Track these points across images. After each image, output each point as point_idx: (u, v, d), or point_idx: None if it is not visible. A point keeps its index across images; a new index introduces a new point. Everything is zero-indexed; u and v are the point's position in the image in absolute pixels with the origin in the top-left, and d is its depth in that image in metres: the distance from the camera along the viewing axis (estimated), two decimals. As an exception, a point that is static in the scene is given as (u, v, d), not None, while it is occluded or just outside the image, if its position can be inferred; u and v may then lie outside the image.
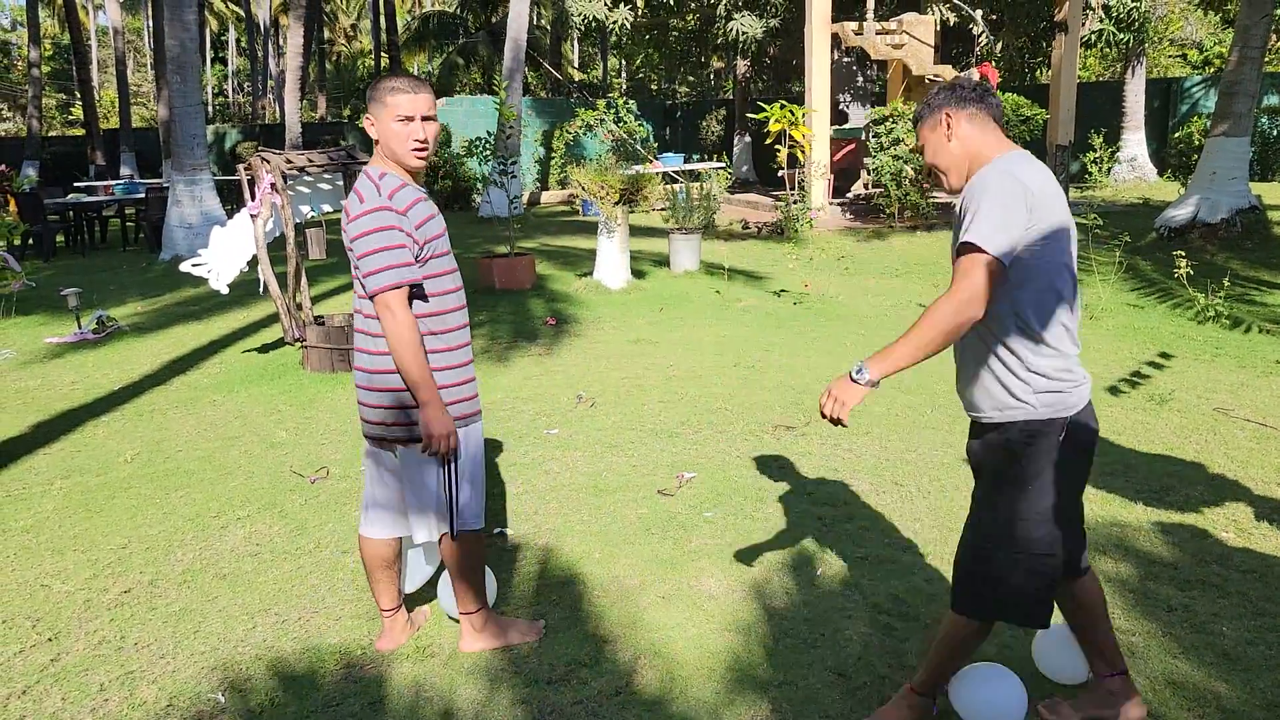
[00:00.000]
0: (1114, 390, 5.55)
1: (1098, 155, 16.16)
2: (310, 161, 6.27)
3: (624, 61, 35.01)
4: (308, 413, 5.48)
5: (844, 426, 2.24)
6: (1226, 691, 2.64)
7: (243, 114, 44.03)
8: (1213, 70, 22.09)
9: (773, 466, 4.45)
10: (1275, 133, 17.58)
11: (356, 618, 3.15)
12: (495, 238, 11.59)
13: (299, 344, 6.38)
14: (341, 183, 6.63)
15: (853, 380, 2.16)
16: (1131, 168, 18.46)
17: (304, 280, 6.63)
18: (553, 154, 19.85)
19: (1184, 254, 7.61)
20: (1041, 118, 12.65)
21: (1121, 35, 16.77)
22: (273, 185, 6.04)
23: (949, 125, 2.33)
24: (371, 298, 2.58)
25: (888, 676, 2.75)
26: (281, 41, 40.84)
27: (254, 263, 6.40)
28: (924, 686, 2.47)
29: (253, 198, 6.13)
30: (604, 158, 11.64)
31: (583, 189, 8.91)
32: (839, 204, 14.50)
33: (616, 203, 8.75)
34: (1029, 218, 2.14)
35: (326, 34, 40.95)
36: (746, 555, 3.54)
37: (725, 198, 14.00)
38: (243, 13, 41.54)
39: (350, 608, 3.22)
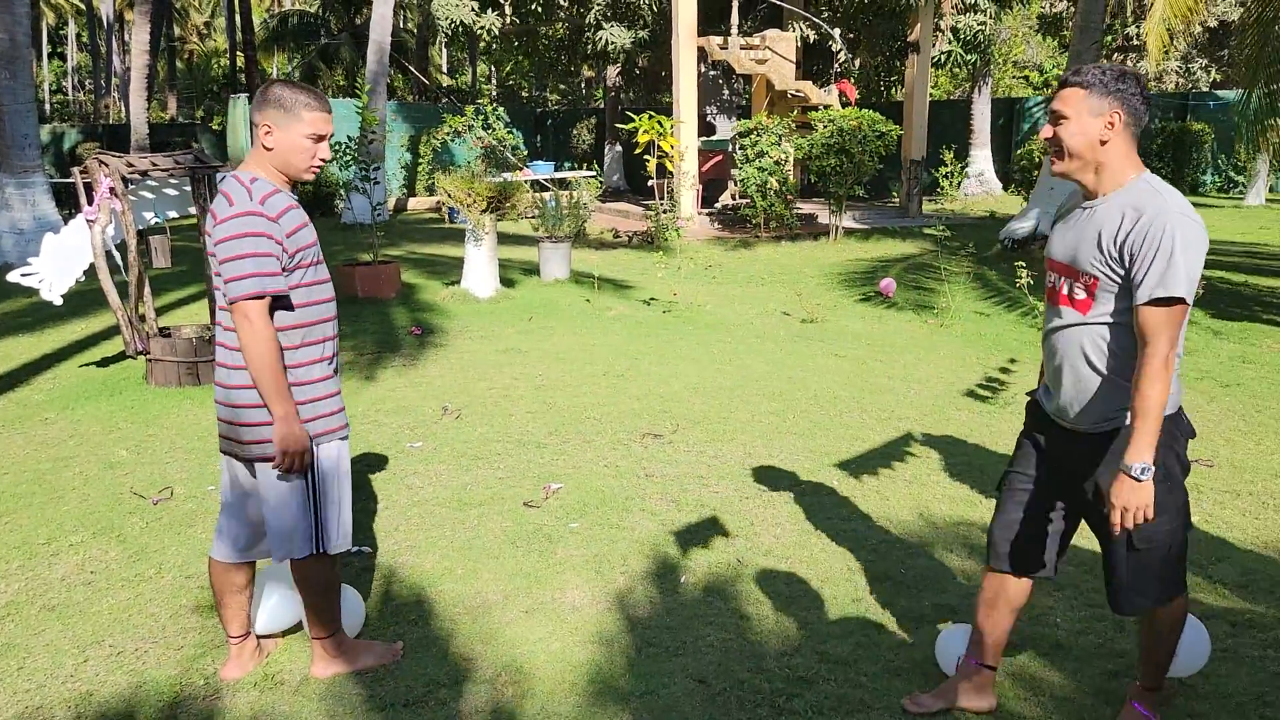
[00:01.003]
0: (966, 394, 5.82)
1: (949, 170, 16.94)
2: (154, 165, 5.94)
3: (493, 68, 34.72)
4: (150, 430, 5.18)
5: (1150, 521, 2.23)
6: (1059, 680, 2.78)
7: (84, 113, 41.56)
8: (1052, 92, 23.51)
9: (640, 475, 4.47)
10: (1107, 151, 18.81)
11: (201, 646, 2.99)
12: (359, 245, 11.29)
13: (142, 357, 6.04)
14: (189, 188, 6.32)
15: (1138, 480, 2.15)
16: (979, 182, 19.47)
17: (147, 290, 6.28)
18: (420, 160, 19.49)
19: (1025, 264, 8.04)
20: (897, 133, 13.21)
21: (969, 56, 17.69)
22: (112, 190, 5.70)
23: (1113, 124, 2.23)
24: (231, 305, 2.46)
25: (747, 680, 2.79)
26: (127, 37, 38.76)
27: (91, 272, 6.02)
28: (1155, 680, 2.55)
29: (90, 203, 5.77)
30: (473, 165, 11.51)
31: (450, 196, 8.77)
32: (707, 214, 14.75)
33: (485, 210, 8.65)
34: None
35: (177, 31, 39.09)
36: (612, 566, 3.54)
37: (596, 206, 14.04)
38: (83, 5, 39.23)
39: (194, 636, 3.05)
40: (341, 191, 16.89)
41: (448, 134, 16.81)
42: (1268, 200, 17.10)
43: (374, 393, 5.89)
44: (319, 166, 2.62)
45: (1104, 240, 2.24)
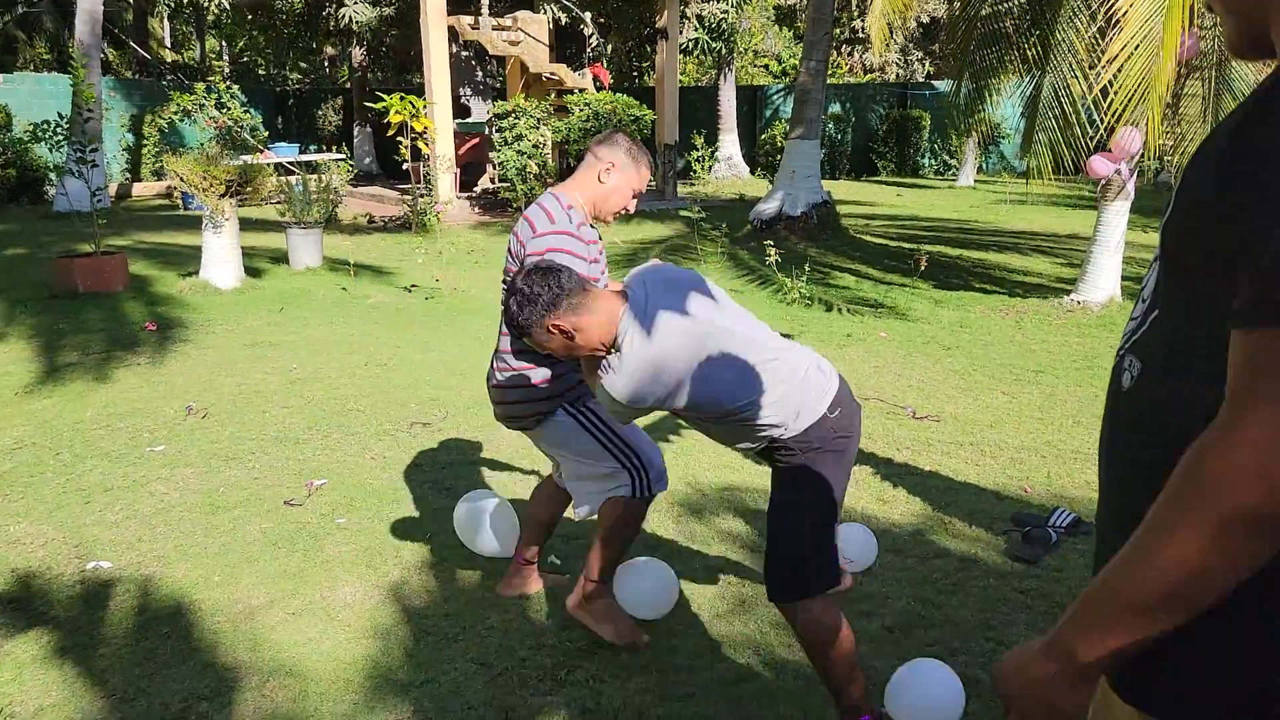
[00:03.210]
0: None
1: (700, 154, 17.65)
2: None
3: (225, 43, 32.36)
4: None
5: None
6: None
7: None
8: (789, 80, 25.01)
9: (409, 465, 4.35)
10: (839, 136, 20.29)
11: (-95, 690, 2.62)
12: (77, 235, 10.20)
13: None
14: None
15: None
16: (729, 166, 20.40)
17: None
18: (145, 142, 17.88)
19: (773, 243, 8.55)
20: (649, 118, 13.58)
21: (714, 44, 18.45)
22: None
23: None
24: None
25: (529, 658, 2.80)
26: None
27: None
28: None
29: None
30: (207, 146, 10.69)
31: (183, 180, 8.11)
32: (466, 198, 14.54)
33: (224, 195, 8.07)
34: None
35: None
36: (384, 559, 3.43)
37: (348, 190, 13.45)
38: None
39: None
40: (52, 176, 15.20)
41: (175, 113, 15.51)
42: (976, 181, 19.05)
43: (106, 395, 5.37)
44: (619, 216, 2.87)
45: None
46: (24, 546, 3.52)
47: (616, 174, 2.76)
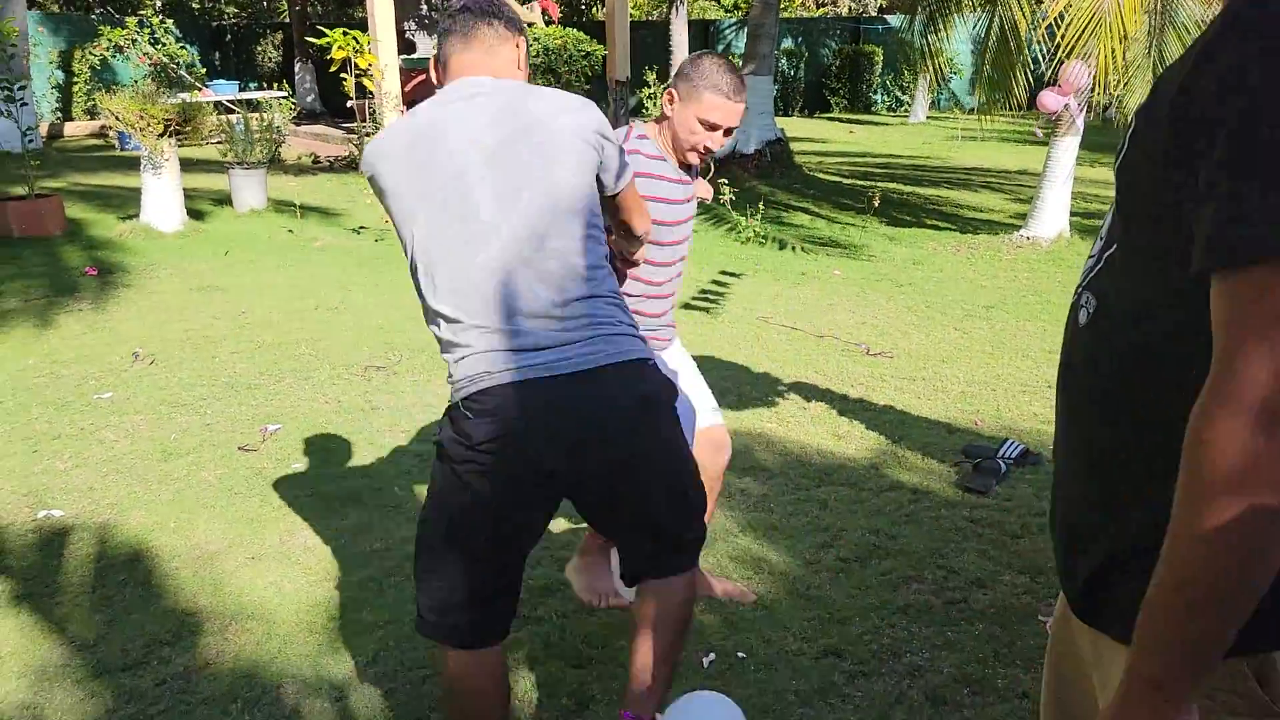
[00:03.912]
0: (684, 307, 6.10)
1: (653, 91, 17.42)
2: None
3: (158, -25, 31.03)
4: None
5: None
6: (775, 557, 3.06)
7: None
8: (742, 14, 24.69)
9: (366, 409, 4.32)
10: (792, 72, 20.14)
11: None
12: (10, 177, 9.83)
13: None
14: None
15: None
16: (680, 103, 20.15)
17: None
18: (76, 79, 17.19)
19: (726, 181, 8.50)
20: (600, 53, 13.33)
21: (664, -22, 18.08)
22: None
23: None
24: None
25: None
26: None
27: None
28: None
29: None
30: (142, 84, 10.31)
31: (119, 119, 7.83)
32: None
33: (162, 135, 7.81)
34: None
35: None
36: (342, 502, 3.42)
37: (291, 130, 13.05)
38: None
39: None
40: (-20, 115, 14.58)
41: (107, 49, 14.90)
42: (928, 118, 19.09)
43: (50, 342, 5.23)
44: (702, 156, 2.41)
45: None
46: (-30, 497, 3.45)
47: (677, 103, 2.37)
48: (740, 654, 2.55)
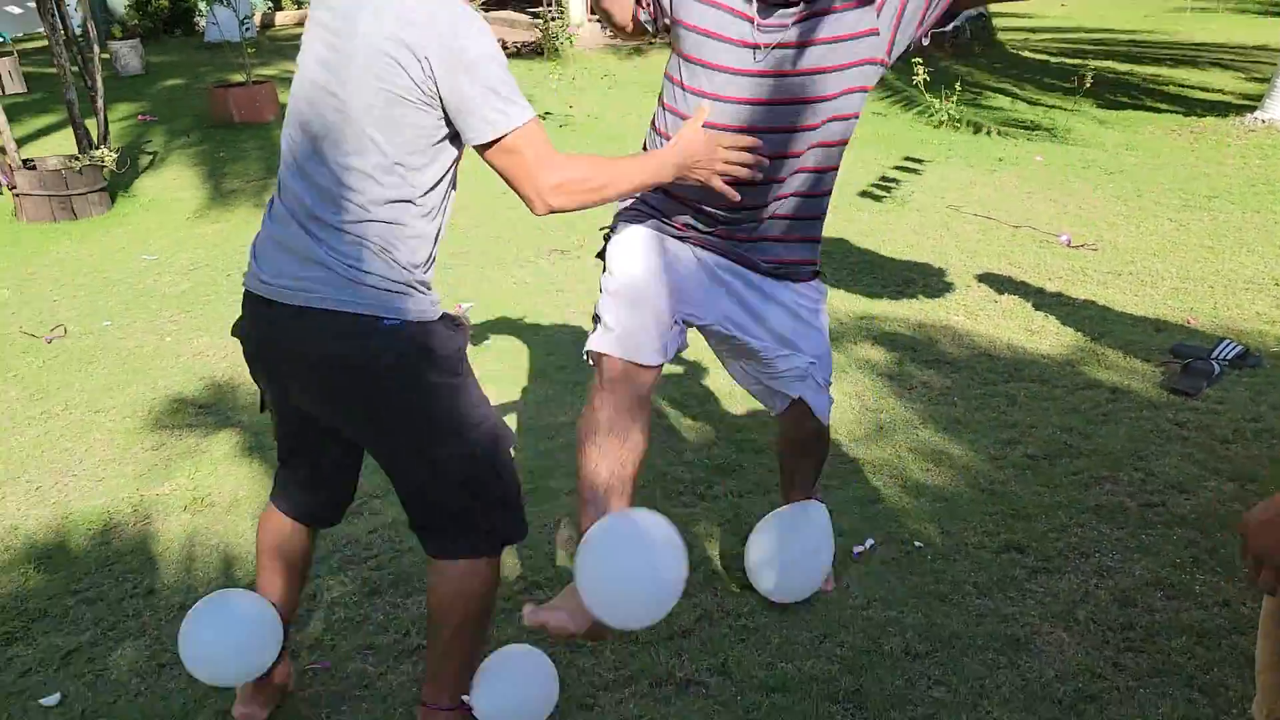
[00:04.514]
0: (862, 195, 5.90)
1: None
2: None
3: None
4: (30, 268, 4.90)
5: None
6: (957, 451, 3.00)
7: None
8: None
9: (551, 290, 4.47)
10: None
11: (122, 477, 2.96)
12: (228, 65, 10.49)
13: (10, 192, 5.63)
14: (33, 4, 5.71)
15: None
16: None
17: (3, 119, 5.78)
18: (284, -31, 17.95)
19: (921, 61, 8.03)
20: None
21: None
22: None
23: None
24: None
25: (669, 472, 2.92)
26: None
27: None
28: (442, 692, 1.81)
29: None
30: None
31: (322, 6, 8.16)
32: (598, 20, 14.14)
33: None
34: None
35: None
36: (529, 376, 3.59)
37: (480, 16, 13.29)
38: None
39: (113, 468, 3.01)
40: (202, 6, 15.55)
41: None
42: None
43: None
44: None
45: None
46: (208, 358, 3.83)
47: None
48: (918, 543, 2.54)
